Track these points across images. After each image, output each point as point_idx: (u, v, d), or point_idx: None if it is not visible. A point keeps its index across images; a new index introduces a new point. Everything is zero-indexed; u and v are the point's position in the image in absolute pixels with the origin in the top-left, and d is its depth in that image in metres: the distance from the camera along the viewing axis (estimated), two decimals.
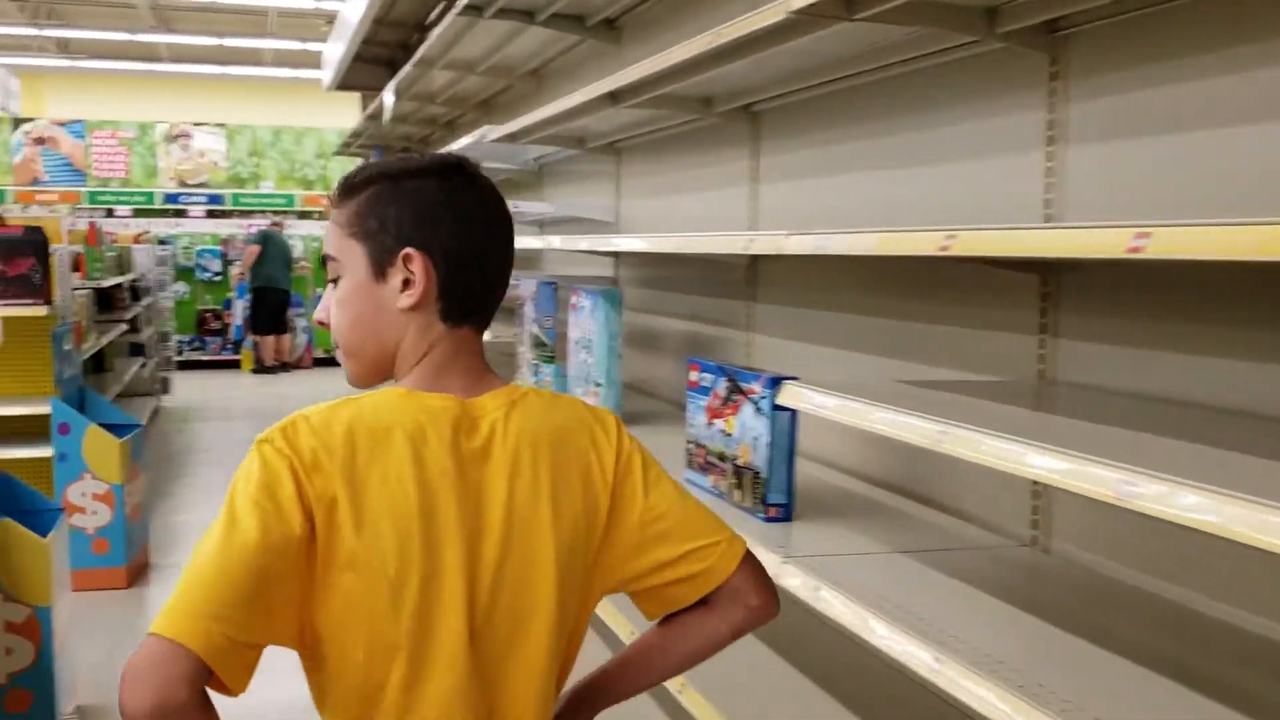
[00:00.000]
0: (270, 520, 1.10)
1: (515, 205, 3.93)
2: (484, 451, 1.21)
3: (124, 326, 7.15)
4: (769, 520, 1.98)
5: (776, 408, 1.94)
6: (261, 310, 11.82)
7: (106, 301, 7.32)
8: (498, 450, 1.21)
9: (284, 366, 12.36)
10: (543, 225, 4.84)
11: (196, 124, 17.68)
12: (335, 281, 1.25)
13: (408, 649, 1.15)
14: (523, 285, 3.53)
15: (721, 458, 2.11)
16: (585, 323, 3.05)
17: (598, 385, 2.97)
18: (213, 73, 17.66)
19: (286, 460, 1.14)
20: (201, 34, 15.44)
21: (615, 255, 3.89)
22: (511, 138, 3.81)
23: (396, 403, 1.20)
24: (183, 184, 17.20)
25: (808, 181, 2.64)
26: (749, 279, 2.87)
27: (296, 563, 1.11)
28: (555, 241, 3.58)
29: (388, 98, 5.63)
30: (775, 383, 1.94)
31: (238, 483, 1.14)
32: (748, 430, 2.01)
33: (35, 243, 4.55)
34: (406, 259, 1.19)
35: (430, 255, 1.20)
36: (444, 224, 1.21)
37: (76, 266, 6.03)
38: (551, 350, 3.41)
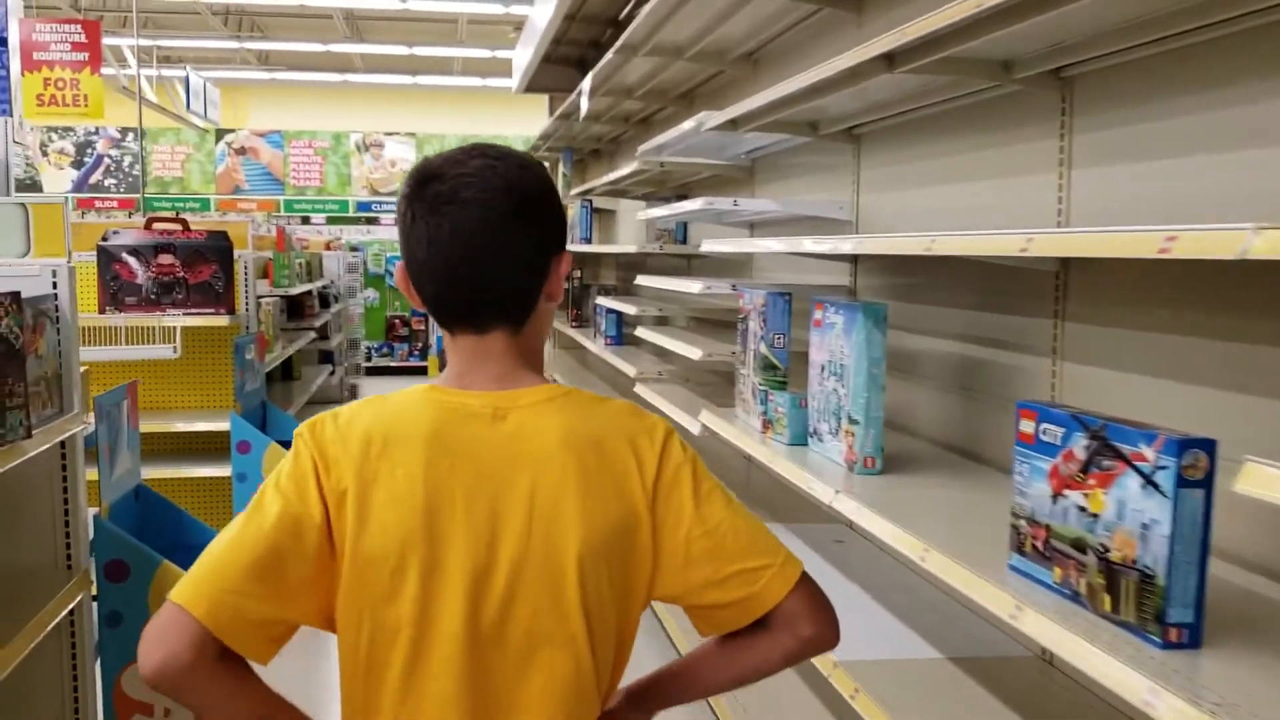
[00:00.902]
0: (290, 505, 1.18)
1: (734, 203, 3.38)
2: (508, 447, 1.21)
3: (312, 334, 6.99)
4: (1167, 646, 1.35)
5: (1184, 483, 1.31)
6: None
7: (296, 309, 7.20)
8: (524, 446, 1.21)
9: None
10: (753, 227, 4.28)
11: (388, 134, 18.03)
12: None
13: (409, 638, 1.18)
14: (747, 296, 2.98)
15: (1080, 546, 1.49)
16: (835, 343, 2.47)
17: (853, 422, 2.39)
18: (404, 82, 17.91)
19: (310, 453, 1.21)
20: (393, 44, 15.61)
21: (853, 260, 3.29)
22: (733, 124, 3.27)
23: (418, 399, 1.25)
24: (374, 192, 17.56)
25: (1141, 166, 1.98)
26: (1057, 289, 2.23)
27: (315, 547, 1.18)
28: (770, 244, 3.02)
29: (585, 89, 5.19)
30: (1184, 448, 1.31)
31: (275, 470, 1.23)
32: (1130, 512, 1.39)
33: (219, 248, 4.30)
34: (400, 267, 1.28)
35: (407, 265, 1.26)
36: (410, 233, 1.24)
37: (265, 273, 5.85)
38: (784, 375, 2.84)
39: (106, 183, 17.81)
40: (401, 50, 15.79)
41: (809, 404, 2.65)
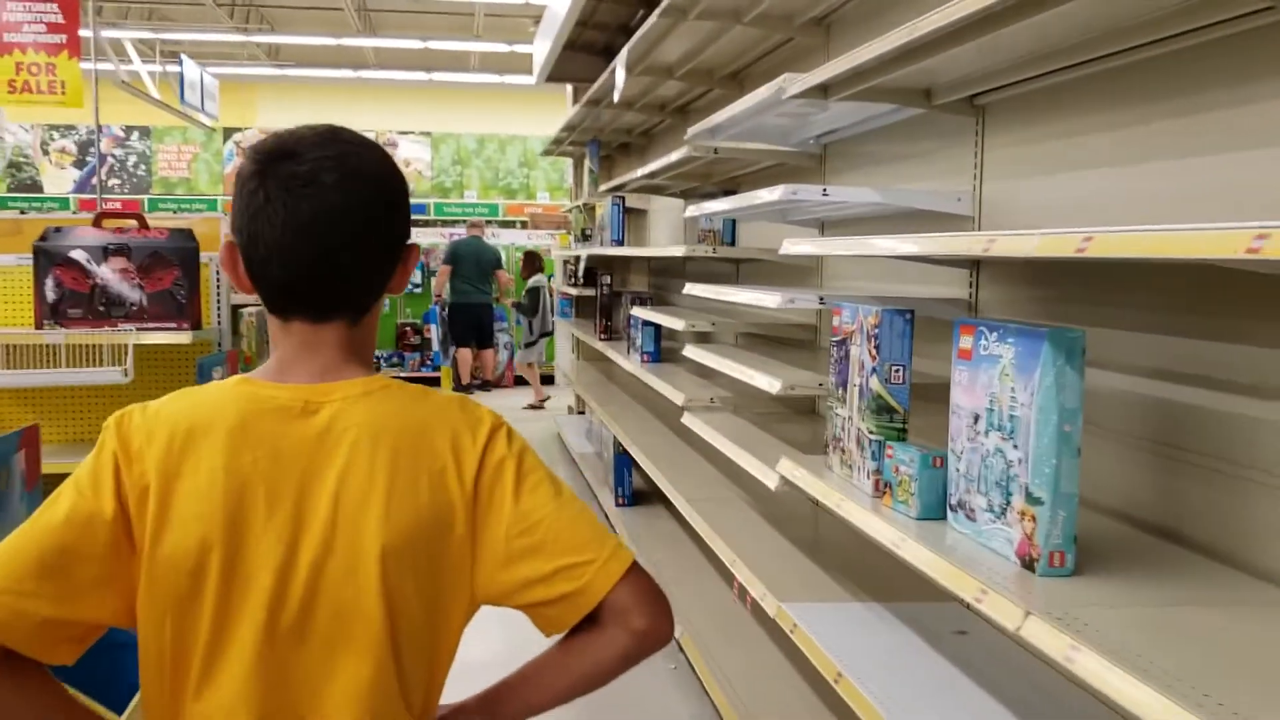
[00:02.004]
0: (84, 501, 1.16)
1: (824, 192, 2.64)
2: (317, 442, 1.18)
3: None
4: None
5: None
6: (457, 323, 10.89)
7: None
8: (332, 441, 1.19)
9: (484, 385, 11.50)
10: (823, 226, 3.54)
11: (401, 133, 17.39)
12: None
13: (205, 640, 1.16)
14: (848, 313, 2.24)
15: None
16: (998, 384, 1.73)
17: (1032, 500, 1.65)
18: (418, 79, 17.26)
19: (114, 446, 1.18)
20: (407, 38, 14.95)
21: (972, 266, 2.54)
22: (823, 91, 2.53)
23: (228, 392, 1.21)
24: None
25: None
26: None
27: (107, 545, 1.15)
28: (887, 245, 2.30)
29: (621, 64, 4.46)
30: None
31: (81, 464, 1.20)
32: None
33: (181, 250, 3.59)
34: (227, 246, 1.24)
35: (246, 245, 1.21)
36: (258, 212, 1.19)
37: None
38: (903, 420, 2.10)
39: (110, 183, 17.22)
40: (416, 44, 15.15)
41: (959, 468, 1.90)
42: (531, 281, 10.67)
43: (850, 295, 2.57)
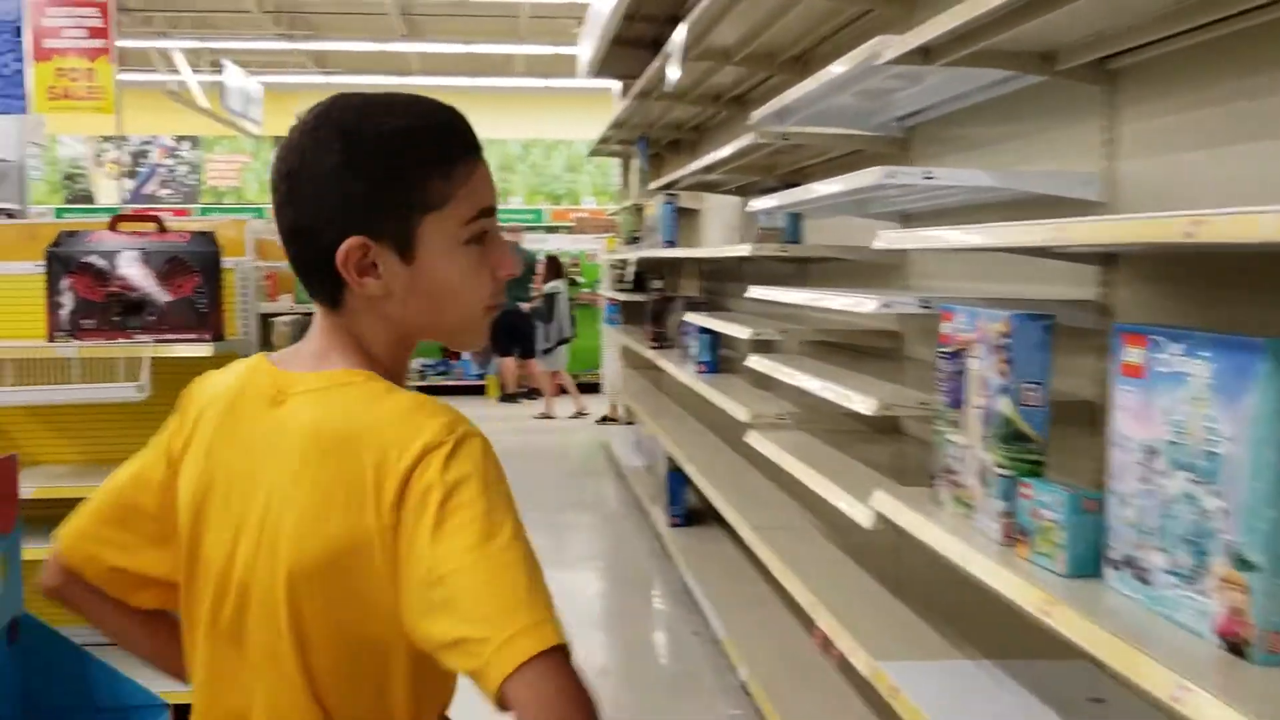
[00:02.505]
0: (145, 462, 1.21)
1: (926, 175, 2.24)
2: (270, 437, 1.10)
3: None
4: None
5: None
6: (500, 331, 10.48)
7: None
8: (280, 439, 1.09)
9: (530, 393, 11.19)
10: (906, 218, 3.15)
11: None
12: None
13: (186, 626, 1.17)
14: (964, 318, 1.85)
15: None
16: (1185, 410, 1.34)
17: (1244, 565, 1.25)
18: (462, 84, 17.05)
19: (178, 410, 1.21)
20: (451, 41, 14.72)
21: (1106, 261, 2.14)
22: (923, 55, 2.14)
23: (243, 369, 1.19)
24: None
25: None
26: None
27: (157, 505, 1.18)
28: (945, 237, 1.92)
29: (673, 55, 4.10)
30: None
31: None
32: None
33: (201, 255, 3.27)
34: None
35: None
36: None
37: (281, 287, 4.85)
38: (1039, 450, 1.71)
39: (161, 192, 17.18)
40: (459, 49, 14.92)
41: (1107, 509, 1.51)
42: (548, 287, 10.32)
43: (957, 297, 2.18)
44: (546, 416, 10.11)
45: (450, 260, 1.12)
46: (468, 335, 1.17)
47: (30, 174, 8.21)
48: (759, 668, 3.36)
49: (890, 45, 2.16)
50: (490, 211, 1.14)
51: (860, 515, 2.22)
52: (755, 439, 3.28)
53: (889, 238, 2.21)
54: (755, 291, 3.19)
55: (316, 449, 1.06)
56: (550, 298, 10.19)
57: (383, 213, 1.08)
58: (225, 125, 13.47)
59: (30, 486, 3.09)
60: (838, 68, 2.41)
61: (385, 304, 1.12)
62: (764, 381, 3.87)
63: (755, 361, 3.26)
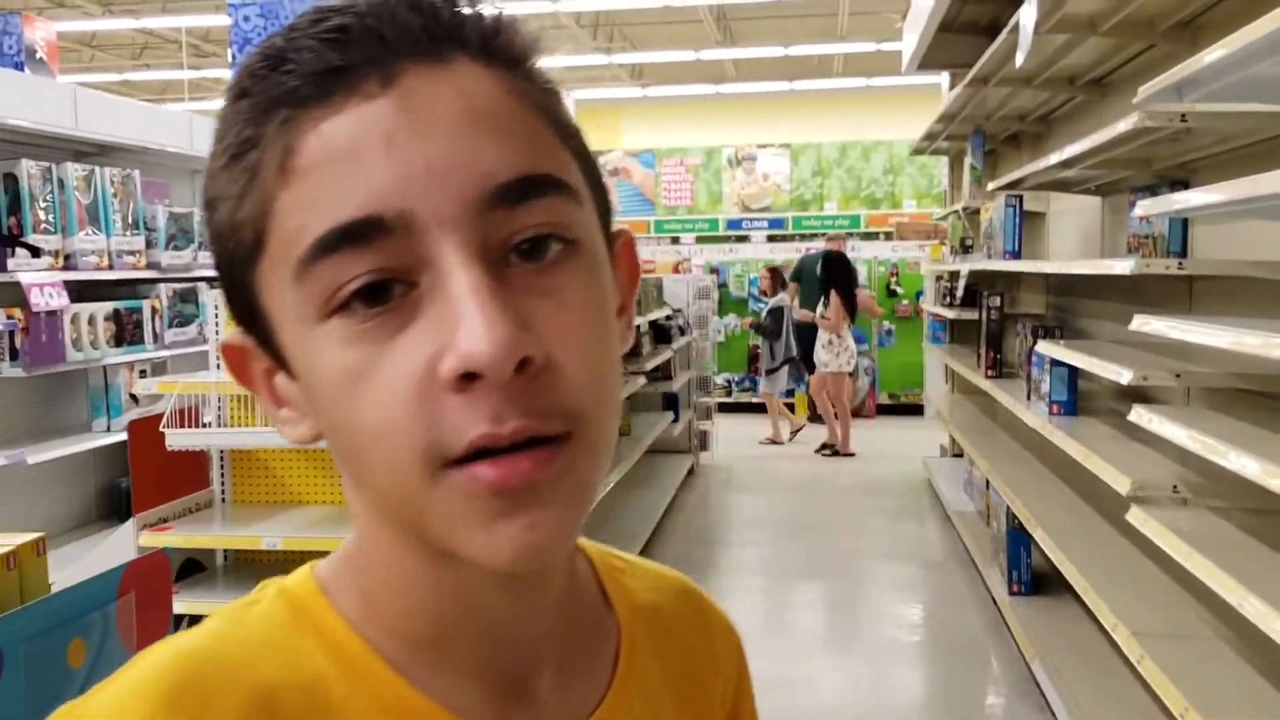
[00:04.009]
0: None
1: None
2: None
3: (641, 379, 5.58)
4: None
5: None
6: (811, 346, 9.64)
7: (633, 350, 5.82)
8: None
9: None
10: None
11: (761, 146, 16.75)
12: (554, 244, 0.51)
13: None
14: None
15: None
16: None
17: None
18: (778, 90, 16.57)
19: None
20: (768, 45, 14.27)
21: None
22: None
23: None
24: (745, 209, 16.36)
25: None
26: None
27: None
28: None
29: (1024, 25, 3.31)
30: None
31: None
32: None
33: None
34: (627, 243, 0.61)
35: None
36: None
37: None
38: None
39: None
40: (777, 52, 14.43)
41: None
42: (774, 301, 9.32)
43: None
44: (775, 441, 9.25)
45: (312, 358, 0.51)
46: (421, 523, 0.51)
47: None
48: None
49: None
50: (364, 232, 0.48)
51: None
52: (1140, 519, 2.46)
53: None
54: (1148, 324, 2.37)
55: None
56: (778, 311, 9.19)
57: (220, 274, 0.56)
58: None
59: (276, 536, 2.84)
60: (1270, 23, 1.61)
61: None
62: (1135, 431, 3.02)
63: (1145, 418, 2.44)
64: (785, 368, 9.23)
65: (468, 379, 0.47)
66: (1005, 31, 3.89)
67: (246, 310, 0.54)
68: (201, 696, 0.50)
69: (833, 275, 8.82)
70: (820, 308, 8.80)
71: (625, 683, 0.63)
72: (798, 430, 9.21)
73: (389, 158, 0.48)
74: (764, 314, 9.41)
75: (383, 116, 0.48)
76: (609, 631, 0.65)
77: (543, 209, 0.50)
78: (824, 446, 8.78)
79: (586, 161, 0.56)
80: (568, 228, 0.51)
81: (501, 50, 0.53)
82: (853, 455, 8.66)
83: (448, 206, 0.48)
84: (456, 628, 0.56)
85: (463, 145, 0.49)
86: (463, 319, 0.47)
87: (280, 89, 0.49)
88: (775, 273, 9.72)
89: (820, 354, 8.80)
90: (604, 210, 0.57)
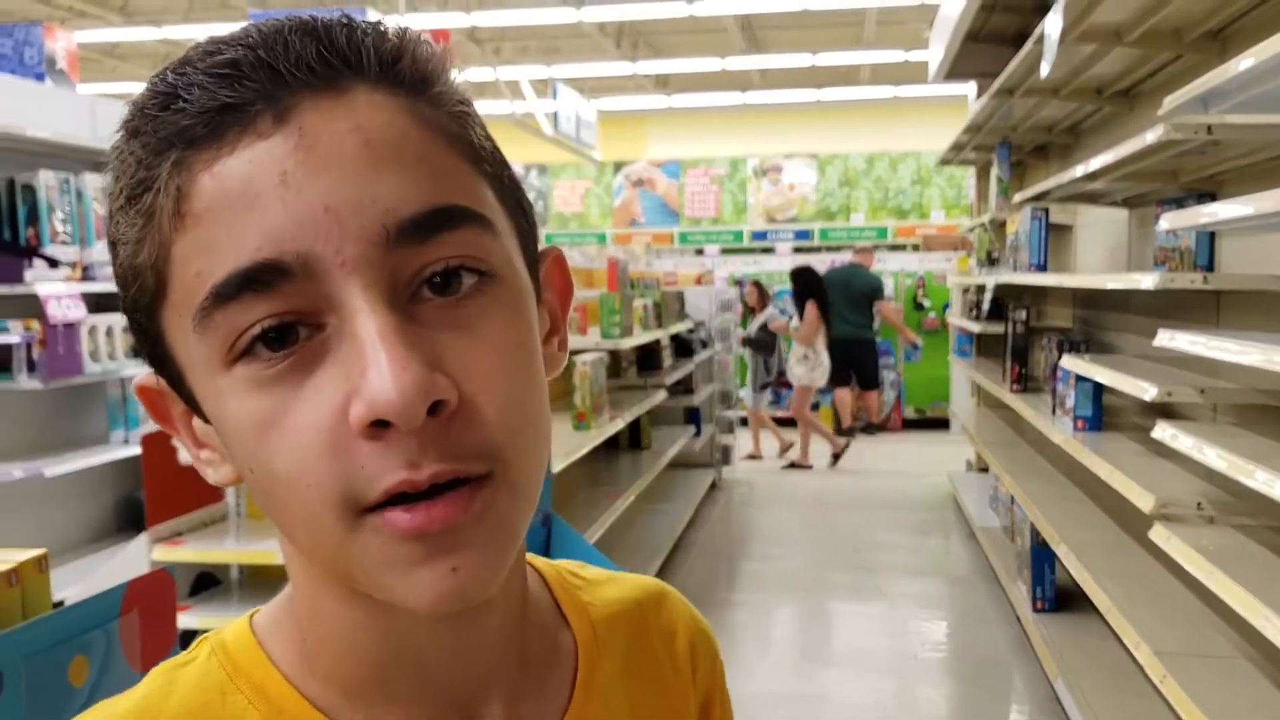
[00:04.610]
0: None
1: None
2: None
3: (663, 392, 5.56)
4: None
5: None
6: (835, 361, 9.16)
7: (648, 361, 5.82)
8: None
9: (868, 428, 10.38)
10: None
11: (787, 156, 16.70)
12: (466, 276, 0.50)
13: None
14: None
15: None
16: None
17: None
18: (805, 100, 16.51)
19: None
20: (794, 52, 14.23)
21: None
22: None
23: None
24: (771, 219, 16.32)
25: None
26: None
27: None
28: None
29: (1049, 34, 3.28)
30: None
31: None
32: None
33: None
34: (556, 262, 0.61)
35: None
36: None
37: (594, 319, 4.48)
38: None
39: None
40: (804, 60, 14.39)
41: None
42: (763, 316, 9.18)
43: None
44: (753, 457, 9.06)
45: (221, 406, 0.50)
46: (345, 569, 0.50)
47: None
48: None
49: None
50: (264, 277, 0.47)
51: None
52: (1163, 537, 2.42)
53: None
54: (1173, 339, 2.33)
55: None
56: (767, 327, 9.08)
57: (128, 318, 0.55)
58: (569, 152, 13.75)
59: None
60: None
61: None
62: (1163, 447, 2.97)
63: (1168, 434, 2.40)
64: (770, 386, 9.14)
65: (379, 426, 0.45)
66: (1030, 41, 3.86)
67: (156, 355, 0.53)
68: None
69: (807, 287, 8.69)
70: (794, 320, 8.71)
71: (583, 702, 0.62)
72: (842, 451, 9.01)
73: (285, 198, 0.46)
74: (754, 329, 9.23)
75: (277, 155, 0.47)
76: (566, 652, 0.64)
77: (453, 241, 0.49)
78: (791, 465, 8.72)
79: (504, 184, 0.54)
80: (481, 259, 0.50)
81: (404, 75, 0.51)
82: (809, 468, 8.60)
83: (350, 247, 0.46)
84: (395, 669, 0.55)
85: (362, 181, 0.47)
86: (369, 365, 0.45)
87: (171, 129, 0.48)
88: (761, 287, 9.62)
89: (794, 368, 8.68)
90: (525, 233, 0.56)
